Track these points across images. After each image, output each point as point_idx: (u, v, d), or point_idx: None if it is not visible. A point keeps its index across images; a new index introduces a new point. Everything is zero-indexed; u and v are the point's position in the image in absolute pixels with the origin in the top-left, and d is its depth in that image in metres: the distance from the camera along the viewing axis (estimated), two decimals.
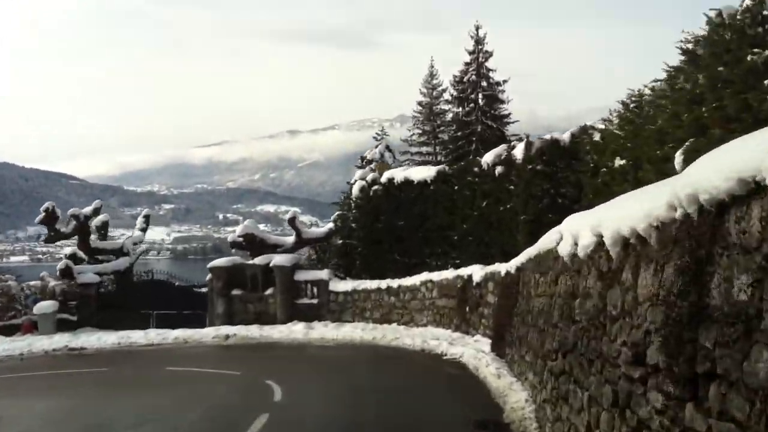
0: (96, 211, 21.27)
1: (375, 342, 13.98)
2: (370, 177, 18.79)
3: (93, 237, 21.50)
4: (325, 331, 15.53)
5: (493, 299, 11.85)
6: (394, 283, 16.45)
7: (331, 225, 20.55)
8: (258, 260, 19.04)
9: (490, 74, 25.76)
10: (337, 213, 20.29)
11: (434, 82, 28.33)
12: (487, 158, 14.37)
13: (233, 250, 22.22)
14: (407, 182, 17.30)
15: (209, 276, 19.44)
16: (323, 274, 18.45)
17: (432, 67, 28.58)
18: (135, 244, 23.49)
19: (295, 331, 15.83)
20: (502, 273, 10.67)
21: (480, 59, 25.69)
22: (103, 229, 23.33)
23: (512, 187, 13.44)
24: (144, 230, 24.91)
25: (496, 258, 13.57)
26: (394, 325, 15.95)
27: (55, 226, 20.75)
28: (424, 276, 15.58)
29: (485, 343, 11.27)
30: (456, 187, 15.72)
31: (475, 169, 15.13)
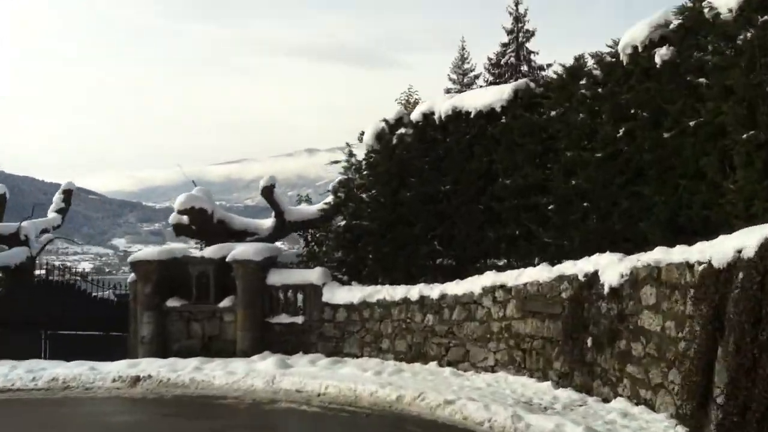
0: None
1: (400, 408, 8.50)
2: (393, 114, 13.42)
3: None
4: (309, 376, 10.15)
5: (660, 323, 6.40)
6: (433, 290, 11.07)
7: (329, 199, 15.21)
8: (210, 251, 13.80)
9: (532, 57, 25.32)
10: (338, 179, 14.91)
11: (465, 66, 27.32)
12: (636, 34, 8.62)
13: (175, 241, 17.13)
14: (457, 116, 11.74)
15: (131, 277, 14.29)
16: (313, 274, 13.13)
17: (463, 49, 27.30)
18: (44, 231, 18.50)
19: (259, 373, 10.50)
20: (710, 261, 5.27)
21: (520, 39, 25.25)
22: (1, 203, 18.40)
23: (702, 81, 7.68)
24: (62, 211, 19.91)
25: (639, 242, 8.07)
26: (433, 365, 10.55)
27: None
28: (490, 278, 10.14)
29: (656, 423, 5.87)
30: (553, 113, 10.15)
31: (596, 71, 9.54)
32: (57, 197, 19.95)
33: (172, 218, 15.76)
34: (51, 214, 19.65)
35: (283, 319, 13.18)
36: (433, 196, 12.27)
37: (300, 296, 13.46)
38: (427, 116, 12.56)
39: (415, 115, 12.84)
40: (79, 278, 15.91)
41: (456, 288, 10.78)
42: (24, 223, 17.48)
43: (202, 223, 14.82)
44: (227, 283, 13.52)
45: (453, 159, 11.97)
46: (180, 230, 15.86)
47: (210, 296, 13.56)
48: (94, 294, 15.00)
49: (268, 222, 16.23)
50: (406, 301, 11.47)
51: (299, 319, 13.02)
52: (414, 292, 11.40)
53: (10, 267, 16.24)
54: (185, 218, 15.31)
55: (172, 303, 13.62)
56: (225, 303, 13.41)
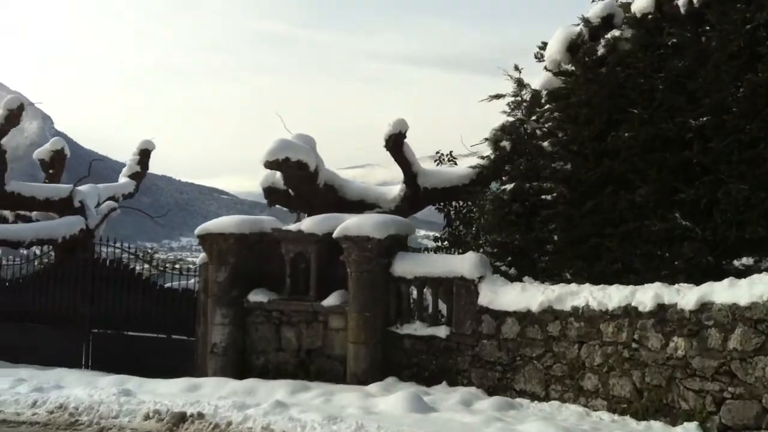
0: (9, 118, 13.96)
1: None
2: (596, 10, 9.45)
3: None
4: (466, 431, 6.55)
5: None
6: (684, 295, 7.05)
7: (485, 155, 11.49)
8: (311, 224, 10.57)
9: None
10: (497, 127, 11.15)
11: None
12: None
13: (264, 213, 14.20)
14: None
15: (200, 258, 11.36)
16: (464, 263, 9.52)
17: None
18: (111, 198, 16.28)
19: (382, 417, 7.04)
20: None
21: None
22: (57, 162, 16.36)
23: None
24: (137, 176, 17.69)
25: None
26: (692, 429, 6.63)
27: None
28: None
29: None
30: None
31: None
32: (131, 160, 17.75)
33: (264, 179, 12.74)
34: (123, 179, 17.49)
35: (417, 329, 9.67)
36: (673, 137, 8.20)
37: (442, 297, 9.94)
38: (664, 3, 8.47)
39: (641, 4, 8.75)
40: (136, 256, 13.25)
41: (733, 293, 6.73)
42: (82, 187, 15.27)
43: (302, 184, 11.65)
44: (334, 272, 10.25)
45: (716, 72, 7.82)
46: (273, 196, 12.85)
47: (310, 289, 10.34)
48: (165, 284, 12.22)
49: (394, 190, 12.84)
50: (628, 311, 7.52)
51: (441, 331, 9.45)
52: (644, 296, 7.42)
53: (55, 240, 13.99)
54: (278, 177, 12.26)
55: (257, 297, 10.52)
56: (331, 301, 10.12)
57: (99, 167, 16.80)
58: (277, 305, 10.43)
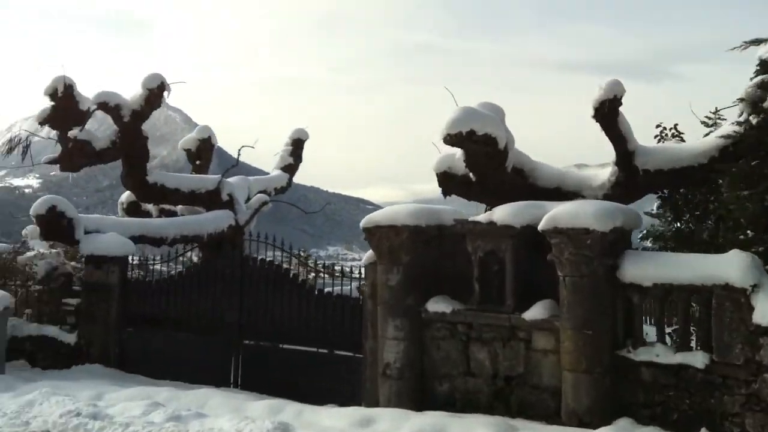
0: (150, 99, 13.18)
1: None
2: None
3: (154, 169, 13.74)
4: None
5: None
6: None
7: (736, 128, 9.07)
8: (504, 214, 8.69)
9: None
10: (754, 83, 8.70)
11: None
12: None
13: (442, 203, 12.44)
14: None
15: (366, 256, 9.79)
16: (729, 266, 7.26)
17: None
18: (262, 192, 15.34)
19: None
20: None
21: None
22: (204, 152, 15.62)
23: None
24: (290, 169, 16.76)
25: None
26: None
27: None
28: None
29: None
30: None
31: None
32: (283, 150, 16.81)
33: (438, 163, 11.02)
34: (275, 172, 16.55)
35: (660, 355, 7.48)
36: None
37: (693, 309, 7.72)
38: None
39: None
40: (295, 257, 11.96)
41: None
42: (231, 179, 14.36)
43: (488, 166, 9.79)
44: (536, 276, 8.31)
45: None
46: (449, 184, 11.07)
47: (505, 297, 8.46)
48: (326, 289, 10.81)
49: (601, 174, 10.66)
50: None
51: (697, 359, 7.21)
52: None
53: (201, 237, 13.07)
54: (456, 160, 10.52)
55: (437, 306, 8.78)
56: (534, 313, 8.17)
57: None
58: (463, 317, 8.63)
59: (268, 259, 10.98)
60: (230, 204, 13.95)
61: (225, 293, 10.88)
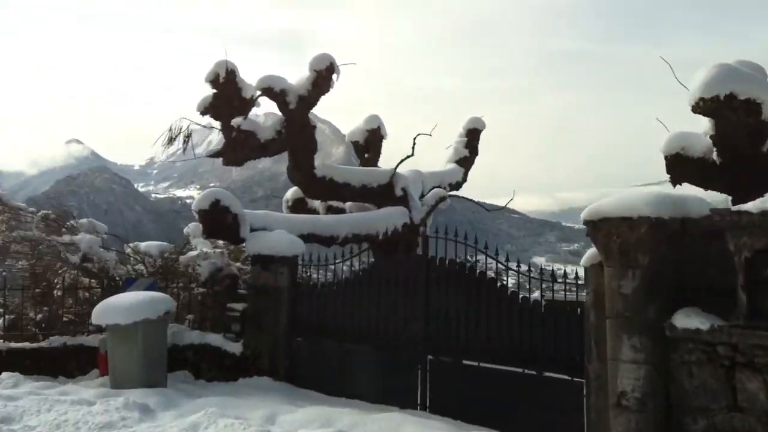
0: (317, 82, 12.31)
1: None
2: None
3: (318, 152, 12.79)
4: None
5: None
6: None
7: None
8: None
9: None
10: None
11: None
12: None
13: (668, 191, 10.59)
14: None
15: (585, 256, 8.20)
16: None
17: None
18: (437, 188, 14.19)
19: None
20: None
21: None
22: (372, 145, 14.66)
23: None
24: (465, 162, 15.55)
25: None
26: None
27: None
28: None
29: None
30: None
31: None
32: (457, 142, 15.60)
33: (667, 144, 9.22)
34: (448, 166, 15.36)
35: None
36: None
37: None
38: None
39: None
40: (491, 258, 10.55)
41: None
42: (404, 172, 13.27)
43: (745, 141, 7.98)
44: None
45: None
46: (682, 168, 9.27)
47: None
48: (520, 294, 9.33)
49: None
50: None
51: None
52: None
53: (374, 237, 12.03)
54: (691, 141, 8.82)
55: (688, 321, 7.04)
56: None
57: None
58: (726, 336, 6.85)
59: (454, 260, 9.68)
60: (404, 200, 12.84)
61: (406, 300, 9.68)
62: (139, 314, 9.50)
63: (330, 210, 13.79)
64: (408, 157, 12.84)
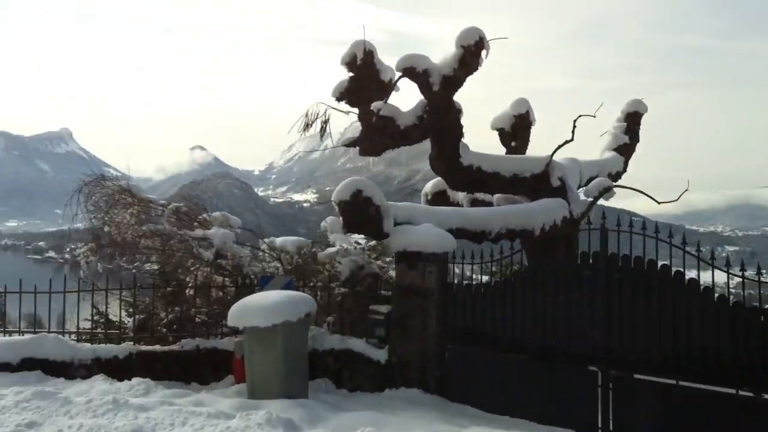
0: (465, 59, 11.09)
1: None
2: None
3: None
4: None
5: None
6: None
7: None
8: None
9: None
10: None
11: None
12: None
13: None
14: None
15: None
16: None
17: None
18: (601, 176, 12.66)
19: None
20: None
21: None
22: (520, 131, 13.33)
23: None
24: (625, 150, 13.97)
25: None
26: None
27: None
28: None
29: None
30: None
31: None
32: (614, 128, 14.04)
33: None
34: (606, 154, 13.82)
35: None
36: None
37: None
38: None
39: None
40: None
41: None
42: (561, 160, 11.87)
43: None
44: None
45: None
46: None
47: None
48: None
49: None
50: None
51: None
52: None
53: (531, 232, 10.71)
54: None
55: None
56: None
57: None
58: None
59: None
60: (561, 191, 11.39)
61: (581, 304, 8.28)
62: (280, 316, 8.52)
63: (475, 203, 12.52)
64: (567, 142, 11.35)
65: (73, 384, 9.27)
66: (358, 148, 11.72)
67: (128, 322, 11.58)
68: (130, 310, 11.61)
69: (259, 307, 8.68)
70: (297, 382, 8.85)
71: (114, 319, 12.03)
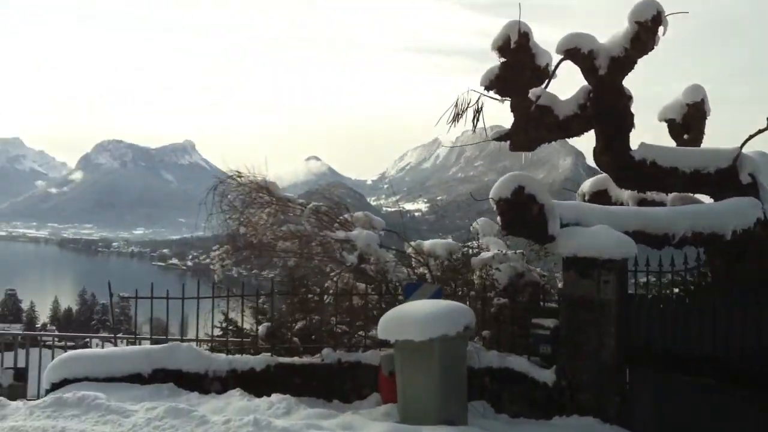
0: (638, 36, 9.63)
1: None
2: None
3: None
4: None
5: None
6: None
7: None
8: None
9: None
10: None
11: None
12: None
13: None
14: None
15: None
16: None
17: None
18: None
19: None
20: None
21: None
22: (694, 123, 11.70)
23: None
24: None
25: None
26: None
27: None
28: None
29: None
30: None
31: None
32: None
33: None
34: None
35: None
36: None
37: None
38: None
39: None
40: None
41: None
42: (752, 153, 10.26)
43: None
44: None
45: None
46: None
47: None
48: None
49: None
50: None
51: None
52: None
53: (721, 236, 9.17)
54: None
55: None
56: None
57: None
58: None
59: None
60: (752, 188, 9.76)
61: None
62: (437, 329, 7.40)
63: (643, 203, 10.99)
64: (760, 131, 9.73)
65: (208, 399, 8.48)
66: (508, 143, 10.56)
67: (255, 329, 10.74)
68: (260, 317, 10.81)
69: (414, 318, 7.59)
70: (455, 405, 7.69)
71: (242, 326, 11.34)
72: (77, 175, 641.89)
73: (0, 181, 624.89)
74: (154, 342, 10.44)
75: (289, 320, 10.43)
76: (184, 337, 10.35)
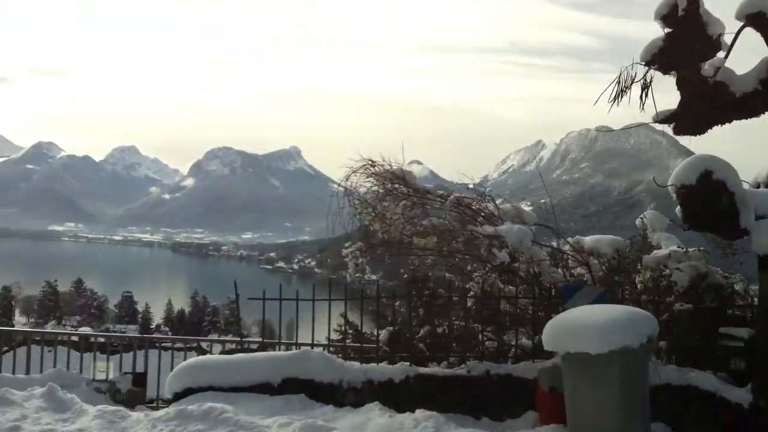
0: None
1: None
2: None
3: None
4: None
5: None
6: None
7: None
8: None
9: None
10: None
11: None
12: None
13: None
14: None
15: None
16: None
17: None
18: None
19: None
20: None
21: None
22: None
23: None
24: None
25: None
26: None
27: None
28: None
29: None
30: None
31: None
32: None
33: None
34: None
35: None
36: None
37: None
38: None
39: None
40: None
41: None
42: None
43: None
44: None
45: None
46: None
47: None
48: None
49: None
50: None
51: None
52: None
53: None
54: None
55: None
56: None
57: None
58: None
59: None
60: None
61: None
62: (617, 340, 6.22)
63: None
64: None
65: (344, 413, 7.59)
66: (673, 125, 9.21)
67: (377, 333, 9.76)
68: (381, 321, 9.84)
69: (588, 327, 6.42)
70: (639, 430, 6.49)
71: (361, 329, 10.52)
72: (189, 182, 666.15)
73: (117, 188, 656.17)
74: (285, 347, 9.71)
75: (412, 325, 9.42)
76: (312, 343, 9.52)
